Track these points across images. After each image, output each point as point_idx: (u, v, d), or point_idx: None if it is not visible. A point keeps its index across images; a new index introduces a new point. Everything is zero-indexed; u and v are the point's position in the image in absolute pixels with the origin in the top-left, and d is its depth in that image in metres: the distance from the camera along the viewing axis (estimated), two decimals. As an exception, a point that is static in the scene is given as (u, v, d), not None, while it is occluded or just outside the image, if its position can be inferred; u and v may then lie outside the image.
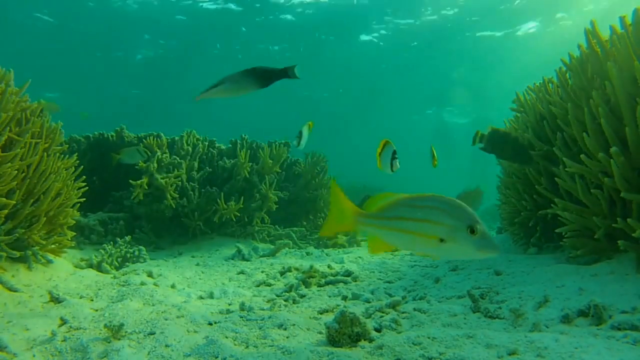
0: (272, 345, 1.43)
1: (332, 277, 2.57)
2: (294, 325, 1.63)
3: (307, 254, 3.70)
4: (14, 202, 2.19)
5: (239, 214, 4.07)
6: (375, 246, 1.21)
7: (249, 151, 4.45)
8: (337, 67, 16.68)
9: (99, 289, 2.26)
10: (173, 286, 2.46)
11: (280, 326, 1.62)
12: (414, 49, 15.50)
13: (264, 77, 1.87)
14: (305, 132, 2.82)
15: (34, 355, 1.35)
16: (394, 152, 2.27)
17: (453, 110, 22.21)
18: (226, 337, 1.52)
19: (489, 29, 14.02)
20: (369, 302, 2.01)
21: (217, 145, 4.79)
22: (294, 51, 15.95)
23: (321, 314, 1.86)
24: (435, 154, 3.13)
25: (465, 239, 1.04)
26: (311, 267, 2.63)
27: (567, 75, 2.47)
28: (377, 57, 16.20)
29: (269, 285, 2.56)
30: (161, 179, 3.82)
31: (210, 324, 1.69)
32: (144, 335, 1.51)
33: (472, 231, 1.04)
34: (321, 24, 14.00)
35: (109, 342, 1.44)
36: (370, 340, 1.43)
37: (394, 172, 2.30)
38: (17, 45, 14.21)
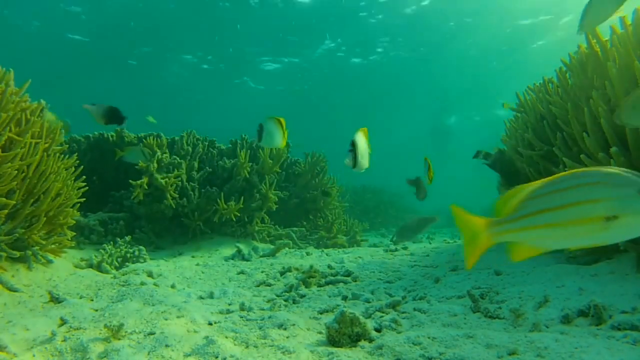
0: (272, 345, 1.43)
1: (332, 277, 2.57)
2: (294, 325, 1.63)
3: (307, 254, 3.70)
4: (14, 202, 2.19)
5: (239, 214, 4.08)
6: (520, 253, 0.98)
7: (249, 151, 4.45)
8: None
9: (99, 289, 2.26)
10: (173, 286, 2.46)
11: (280, 326, 1.62)
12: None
13: (108, 116, 2.41)
14: (272, 127, 2.33)
15: (34, 355, 1.35)
16: (351, 143, 1.94)
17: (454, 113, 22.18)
18: (226, 337, 1.52)
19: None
20: (369, 302, 2.01)
21: (217, 145, 4.79)
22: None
23: (321, 314, 1.86)
24: (432, 167, 2.89)
25: None
26: (311, 267, 2.63)
27: (567, 75, 2.47)
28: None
29: (269, 285, 2.56)
30: (161, 179, 3.82)
31: (210, 324, 1.69)
32: (144, 335, 1.51)
33: None
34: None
35: (109, 342, 1.44)
36: (370, 340, 1.43)
37: (353, 169, 1.96)
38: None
